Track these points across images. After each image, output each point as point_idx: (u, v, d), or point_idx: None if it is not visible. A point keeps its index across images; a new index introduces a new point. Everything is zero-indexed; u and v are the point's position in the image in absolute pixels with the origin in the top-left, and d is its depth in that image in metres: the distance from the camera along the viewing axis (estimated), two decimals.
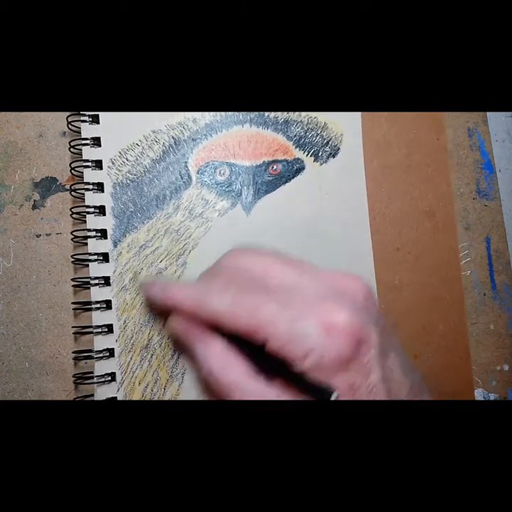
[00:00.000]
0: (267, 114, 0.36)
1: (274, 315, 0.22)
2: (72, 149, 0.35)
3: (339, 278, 0.24)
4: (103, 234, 0.34)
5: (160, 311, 0.27)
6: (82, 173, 0.34)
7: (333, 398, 0.22)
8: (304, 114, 0.36)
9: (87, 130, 0.35)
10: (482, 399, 0.37)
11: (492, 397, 0.37)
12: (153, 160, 0.35)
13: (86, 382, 0.33)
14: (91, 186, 0.34)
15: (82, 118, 0.35)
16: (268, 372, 0.25)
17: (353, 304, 0.22)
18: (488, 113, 0.41)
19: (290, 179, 0.35)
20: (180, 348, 0.26)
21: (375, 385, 0.23)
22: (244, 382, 0.23)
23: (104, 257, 0.34)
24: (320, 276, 0.24)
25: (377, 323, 0.23)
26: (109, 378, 0.33)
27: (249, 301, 0.23)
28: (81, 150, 0.35)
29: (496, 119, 0.41)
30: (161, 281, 0.26)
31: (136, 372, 0.33)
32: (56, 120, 0.37)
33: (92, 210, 0.34)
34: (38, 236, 0.35)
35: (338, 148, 0.36)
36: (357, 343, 0.22)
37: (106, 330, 0.33)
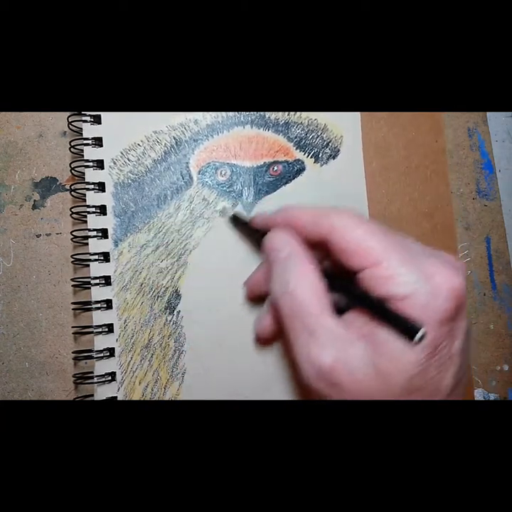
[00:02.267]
0: (267, 115, 0.36)
1: (389, 247, 0.24)
2: (72, 149, 0.35)
3: (450, 257, 0.26)
4: (104, 233, 0.34)
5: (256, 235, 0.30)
6: (83, 173, 0.34)
7: (419, 335, 0.22)
8: (304, 115, 0.36)
9: (89, 130, 0.35)
10: (482, 399, 0.37)
11: (492, 397, 0.37)
12: (154, 160, 0.35)
13: (86, 382, 0.33)
14: (92, 186, 0.34)
15: (84, 118, 0.35)
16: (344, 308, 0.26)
17: (463, 276, 0.24)
18: (488, 113, 0.41)
19: (290, 180, 0.35)
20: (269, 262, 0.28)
21: (454, 354, 0.23)
22: (319, 314, 0.24)
23: (105, 257, 0.34)
24: (436, 251, 0.26)
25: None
26: (110, 378, 0.33)
27: (369, 228, 0.25)
28: (81, 150, 0.35)
29: (495, 119, 0.41)
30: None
31: (137, 371, 0.33)
32: (56, 120, 0.37)
33: (93, 209, 0.34)
34: (38, 236, 0.35)
35: (338, 150, 0.36)
36: (459, 309, 0.23)
37: (106, 329, 0.33)
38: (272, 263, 0.27)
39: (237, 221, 0.34)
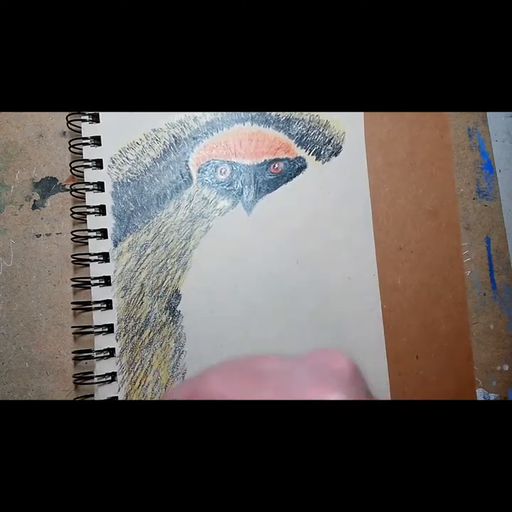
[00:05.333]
0: (268, 112, 0.35)
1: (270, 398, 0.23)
2: (72, 149, 0.35)
3: (324, 358, 0.24)
4: (103, 233, 0.34)
5: None
6: (82, 172, 0.34)
7: None
8: (305, 112, 0.36)
9: (87, 129, 0.35)
10: (482, 399, 0.37)
11: (492, 397, 0.37)
12: (153, 159, 0.35)
13: (86, 382, 0.33)
14: (91, 186, 0.34)
15: (82, 117, 0.34)
16: None
17: (341, 381, 0.23)
18: (488, 113, 0.41)
19: (292, 178, 0.35)
20: None
21: None
22: None
23: (105, 257, 0.33)
24: (307, 360, 0.24)
25: (367, 394, 0.23)
26: (110, 378, 0.32)
27: (243, 386, 0.23)
28: (81, 150, 0.34)
29: (495, 119, 0.41)
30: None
31: (137, 372, 0.33)
32: (56, 120, 0.36)
33: (93, 209, 0.34)
34: (38, 236, 0.35)
35: (341, 147, 0.36)
36: None
37: (106, 329, 0.33)
38: None
39: None
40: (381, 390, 0.33)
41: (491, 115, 0.41)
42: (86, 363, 0.34)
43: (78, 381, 0.33)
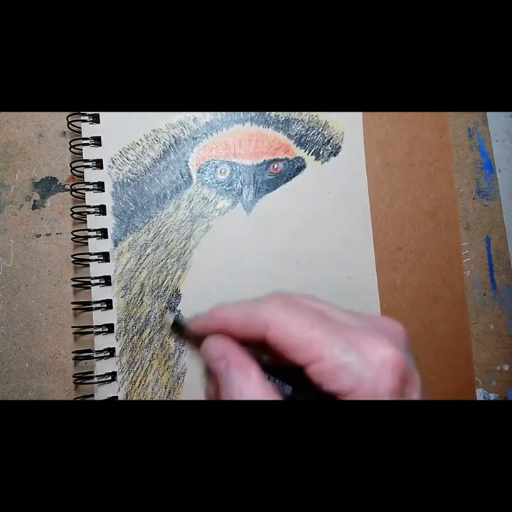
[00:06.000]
0: (267, 112, 0.36)
1: (328, 337, 0.23)
2: (72, 149, 0.35)
3: (381, 321, 0.24)
4: (104, 233, 0.34)
5: (198, 341, 0.27)
6: (83, 172, 0.34)
7: None
8: (305, 112, 0.36)
9: (88, 130, 0.35)
10: (482, 399, 0.37)
11: (492, 397, 0.37)
12: (153, 159, 0.35)
13: (86, 382, 0.33)
14: (91, 186, 0.34)
15: (83, 118, 0.34)
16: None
17: (398, 343, 0.23)
18: (488, 113, 0.41)
19: (291, 178, 0.35)
20: (210, 371, 0.26)
21: None
22: None
23: (105, 257, 0.33)
24: (367, 318, 0.24)
25: (414, 371, 0.23)
26: (110, 378, 0.32)
27: (303, 319, 0.23)
28: (81, 150, 0.35)
29: (495, 119, 0.41)
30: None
31: (137, 371, 0.33)
32: (56, 120, 0.37)
33: (93, 209, 0.34)
34: (38, 236, 0.35)
35: (340, 147, 0.36)
36: (403, 381, 0.22)
37: (107, 329, 0.33)
38: (215, 374, 0.26)
39: (178, 328, 0.31)
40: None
41: (491, 115, 0.41)
42: (86, 362, 0.34)
43: (78, 381, 0.33)
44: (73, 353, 0.33)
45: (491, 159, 0.40)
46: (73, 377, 0.33)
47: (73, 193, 0.34)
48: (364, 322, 0.24)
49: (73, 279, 0.34)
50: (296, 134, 0.36)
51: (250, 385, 0.24)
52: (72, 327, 0.34)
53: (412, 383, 0.23)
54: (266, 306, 0.25)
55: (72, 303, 0.34)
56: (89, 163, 0.34)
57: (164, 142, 0.35)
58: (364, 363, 0.22)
